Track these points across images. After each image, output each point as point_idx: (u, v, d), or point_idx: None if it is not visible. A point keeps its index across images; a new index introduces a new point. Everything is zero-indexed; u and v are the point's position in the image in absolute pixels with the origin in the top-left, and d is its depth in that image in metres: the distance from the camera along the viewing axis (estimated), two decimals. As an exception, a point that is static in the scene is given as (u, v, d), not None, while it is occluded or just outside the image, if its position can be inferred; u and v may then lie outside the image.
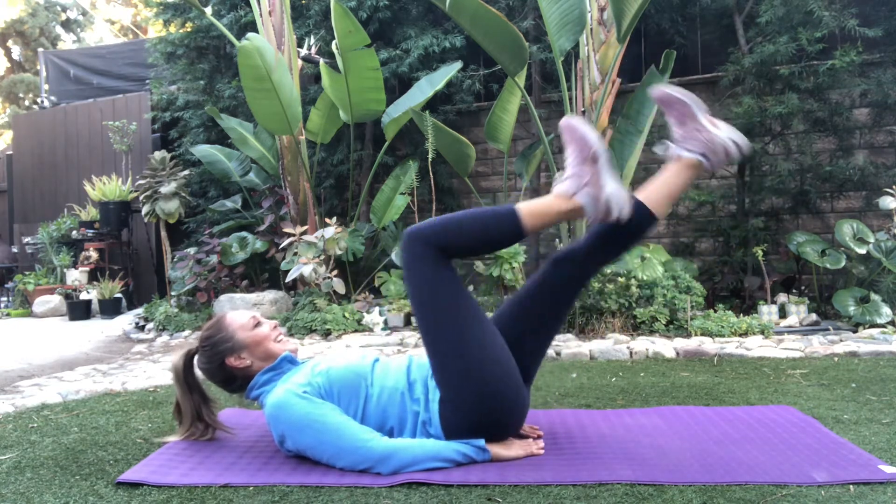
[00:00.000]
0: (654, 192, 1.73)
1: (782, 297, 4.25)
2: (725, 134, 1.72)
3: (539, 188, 5.90)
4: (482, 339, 1.67)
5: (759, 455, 1.64)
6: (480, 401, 1.65)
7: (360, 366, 1.76)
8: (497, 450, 1.67)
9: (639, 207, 1.70)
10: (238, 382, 1.81)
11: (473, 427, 1.66)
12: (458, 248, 1.70)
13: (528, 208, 1.69)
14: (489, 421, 1.67)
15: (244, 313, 1.85)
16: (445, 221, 1.70)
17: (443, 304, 1.67)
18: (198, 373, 1.87)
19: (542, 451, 1.71)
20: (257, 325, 1.82)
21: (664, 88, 1.76)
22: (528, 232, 1.69)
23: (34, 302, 6.90)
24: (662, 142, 1.78)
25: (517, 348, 1.73)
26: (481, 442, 1.65)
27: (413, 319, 4.40)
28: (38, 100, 9.34)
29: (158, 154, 5.88)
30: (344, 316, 4.35)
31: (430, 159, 4.67)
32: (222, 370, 1.80)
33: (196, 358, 1.85)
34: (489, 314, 1.81)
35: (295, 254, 4.73)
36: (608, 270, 4.07)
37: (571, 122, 1.69)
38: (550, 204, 1.70)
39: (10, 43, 18.83)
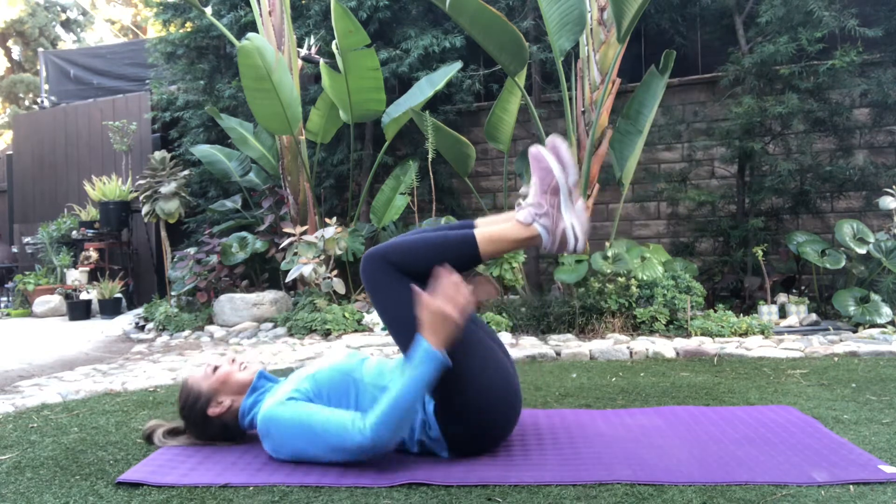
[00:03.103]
0: (488, 236, 1.69)
1: (782, 297, 4.25)
2: (573, 220, 1.68)
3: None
4: (462, 356, 1.62)
5: (759, 455, 1.65)
6: (469, 414, 1.65)
7: (346, 364, 1.77)
8: (431, 337, 1.58)
9: (470, 240, 1.68)
10: (232, 425, 1.83)
11: (471, 433, 1.68)
12: (417, 270, 1.68)
13: (485, 235, 1.69)
14: (483, 431, 1.69)
15: (199, 369, 1.88)
16: (403, 245, 1.70)
17: (413, 322, 1.62)
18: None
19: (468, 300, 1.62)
20: (215, 368, 1.84)
21: (541, 150, 1.69)
22: (485, 258, 1.71)
23: (34, 302, 6.90)
24: (518, 200, 1.75)
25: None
26: (424, 348, 1.57)
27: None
28: (38, 100, 9.34)
29: (158, 154, 5.88)
30: (344, 316, 4.35)
31: (430, 159, 4.67)
32: (212, 425, 1.81)
33: (188, 432, 1.86)
34: None
35: (295, 254, 4.73)
36: (608, 270, 4.07)
37: (539, 152, 1.69)
38: (508, 231, 1.70)
39: (10, 43, 18.84)
